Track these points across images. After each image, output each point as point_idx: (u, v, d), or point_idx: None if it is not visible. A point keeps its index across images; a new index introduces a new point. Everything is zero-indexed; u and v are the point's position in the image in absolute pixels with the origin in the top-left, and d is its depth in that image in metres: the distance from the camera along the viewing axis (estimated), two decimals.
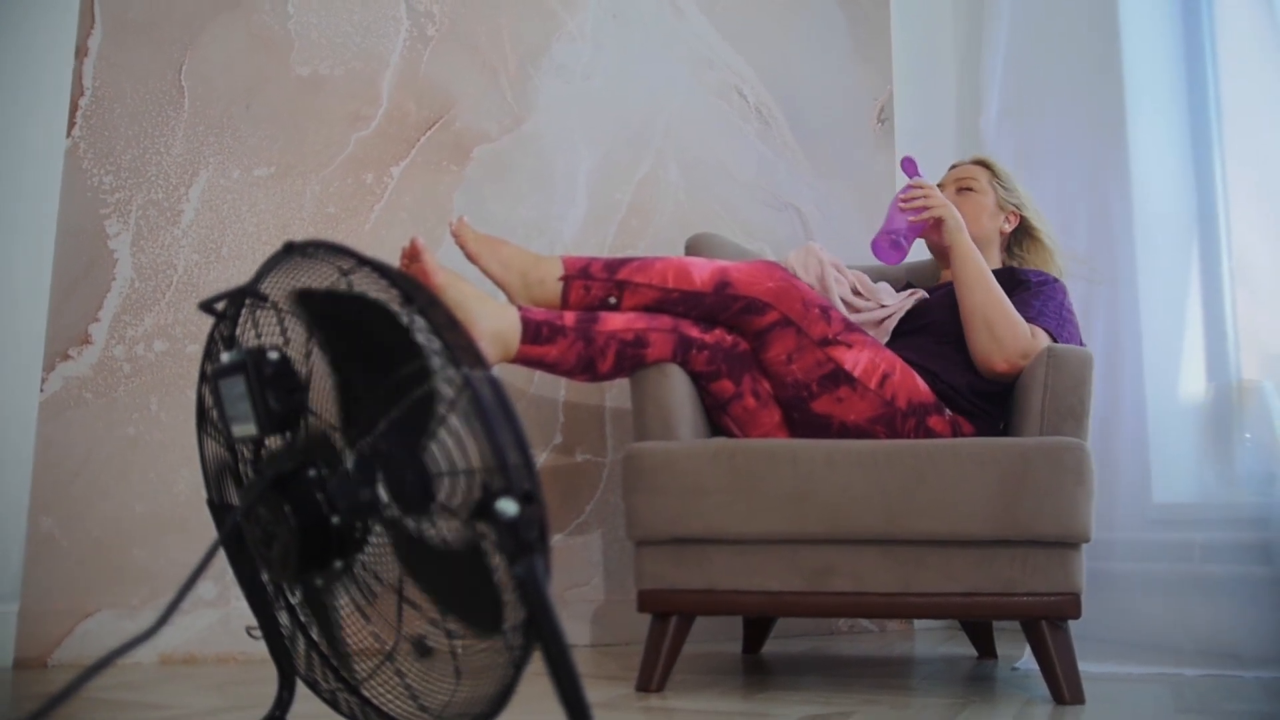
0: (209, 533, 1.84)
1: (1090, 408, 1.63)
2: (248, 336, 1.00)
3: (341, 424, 0.91)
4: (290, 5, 2.15)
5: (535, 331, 1.63)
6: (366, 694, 1.01)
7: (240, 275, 2.02)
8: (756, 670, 1.88)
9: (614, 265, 1.74)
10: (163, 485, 1.92)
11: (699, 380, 1.76)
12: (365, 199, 2.17)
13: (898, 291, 2.08)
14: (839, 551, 1.55)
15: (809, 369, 1.70)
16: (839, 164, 2.85)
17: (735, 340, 1.74)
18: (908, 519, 1.51)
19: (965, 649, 2.23)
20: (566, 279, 1.72)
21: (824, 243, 2.49)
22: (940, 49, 3.09)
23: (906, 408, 1.71)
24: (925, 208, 1.91)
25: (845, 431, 1.72)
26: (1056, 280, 1.91)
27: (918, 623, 2.69)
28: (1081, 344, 1.83)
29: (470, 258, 1.73)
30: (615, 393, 2.37)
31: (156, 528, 1.90)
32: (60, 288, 1.89)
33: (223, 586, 1.92)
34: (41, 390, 1.86)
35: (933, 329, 1.90)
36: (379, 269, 0.85)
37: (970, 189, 2.08)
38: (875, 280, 2.12)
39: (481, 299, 1.60)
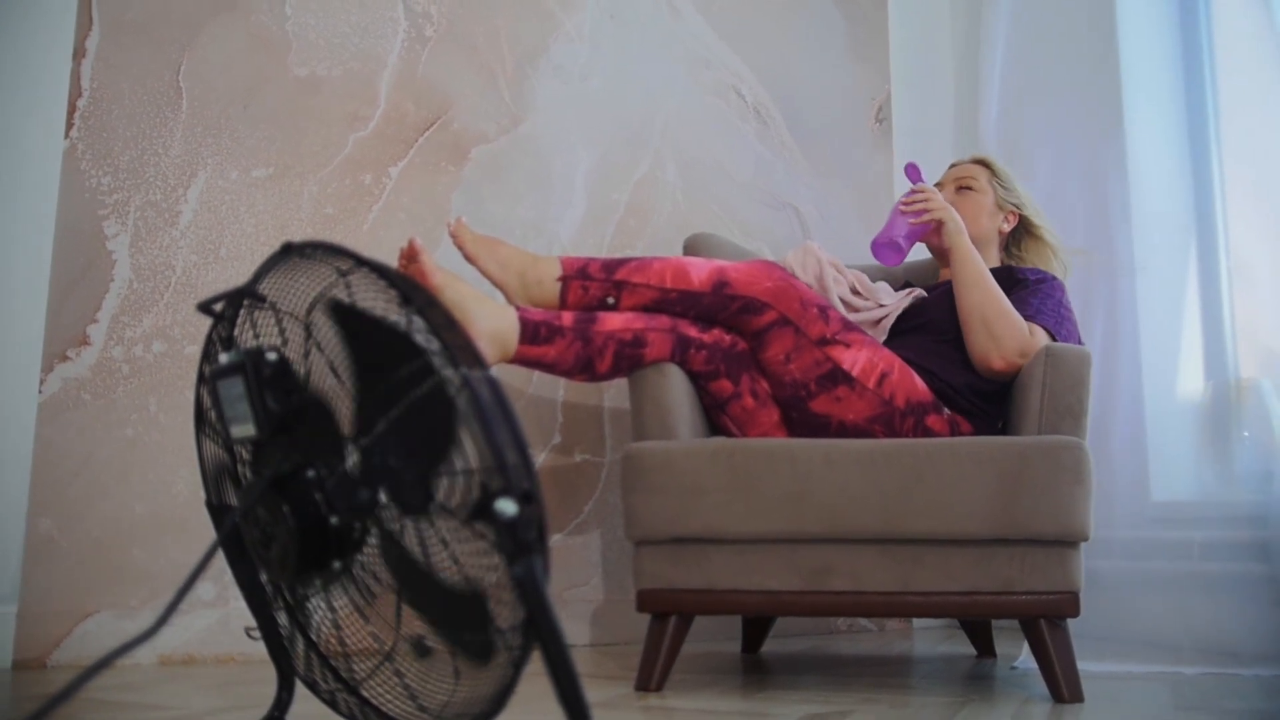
0: (208, 533, 1.84)
1: (1088, 406, 1.63)
2: (246, 337, 1.00)
3: (343, 424, 0.91)
4: (288, 6, 2.15)
5: (533, 332, 1.63)
6: (365, 694, 1.01)
7: (238, 276, 2.02)
8: (755, 669, 1.88)
9: (612, 265, 1.74)
10: (162, 486, 1.92)
11: (697, 380, 1.76)
12: (363, 199, 2.17)
13: (896, 291, 2.08)
14: (838, 551, 1.55)
15: (807, 368, 1.70)
16: (837, 164, 2.86)
17: (734, 340, 1.74)
18: (906, 518, 1.51)
19: (964, 648, 2.23)
20: (564, 279, 1.72)
21: (822, 242, 2.49)
22: (938, 48, 3.09)
23: (905, 407, 1.71)
24: (926, 210, 1.92)
25: (844, 431, 1.72)
26: (1055, 278, 1.92)
27: (916, 622, 2.70)
28: (1080, 342, 1.83)
29: (468, 258, 1.73)
30: (614, 393, 2.37)
31: (155, 528, 1.90)
32: (58, 289, 1.89)
33: (221, 587, 1.92)
34: (40, 391, 1.86)
35: (931, 328, 1.90)
36: (377, 269, 0.85)
37: (969, 188, 2.08)
38: (874, 280, 2.13)
39: (480, 299, 1.60)
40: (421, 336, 0.81)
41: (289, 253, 0.93)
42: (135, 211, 1.97)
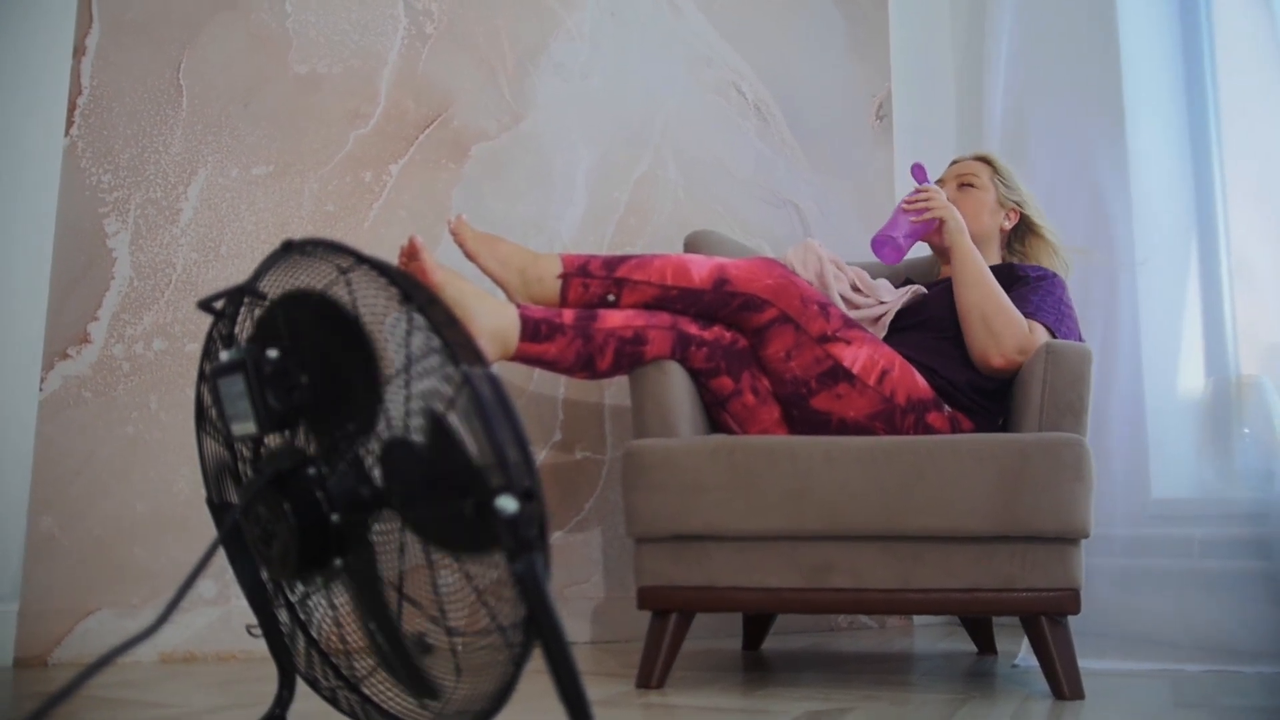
0: (209, 531, 1.84)
1: (1089, 403, 1.64)
2: (247, 335, 1.00)
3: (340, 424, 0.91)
4: (288, 4, 2.14)
5: (534, 329, 1.63)
6: (367, 691, 1.01)
7: (239, 274, 2.02)
8: (756, 667, 1.88)
9: (613, 263, 1.74)
10: (162, 484, 1.92)
11: (698, 377, 1.76)
12: (364, 197, 2.17)
13: (896, 288, 2.08)
14: (838, 548, 1.55)
15: (808, 366, 1.70)
16: (837, 161, 2.86)
17: (734, 337, 1.74)
18: (907, 515, 1.51)
19: (965, 645, 2.23)
20: (565, 276, 1.72)
21: (822, 240, 2.48)
22: (938, 46, 3.09)
23: (905, 404, 1.71)
24: (928, 209, 1.93)
25: (844, 428, 1.72)
26: (1055, 275, 1.92)
27: (917, 619, 2.70)
28: (1081, 339, 1.83)
29: (469, 256, 1.73)
30: (614, 390, 2.37)
31: (156, 526, 1.90)
32: (59, 287, 1.89)
33: (222, 585, 1.92)
34: (41, 389, 1.86)
35: (931, 325, 1.90)
36: (377, 267, 0.85)
37: (972, 185, 2.08)
38: (874, 277, 2.12)
39: (480, 297, 1.60)
40: (421, 334, 0.81)
41: (289, 250, 0.93)
42: (136, 209, 1.97)
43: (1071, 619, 1.54)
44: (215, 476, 1.08)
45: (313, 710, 1.15)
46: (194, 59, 2.05)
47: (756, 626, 2.17)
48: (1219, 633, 1.97)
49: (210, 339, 1.04)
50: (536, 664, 0.75)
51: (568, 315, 1.67)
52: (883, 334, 1.94)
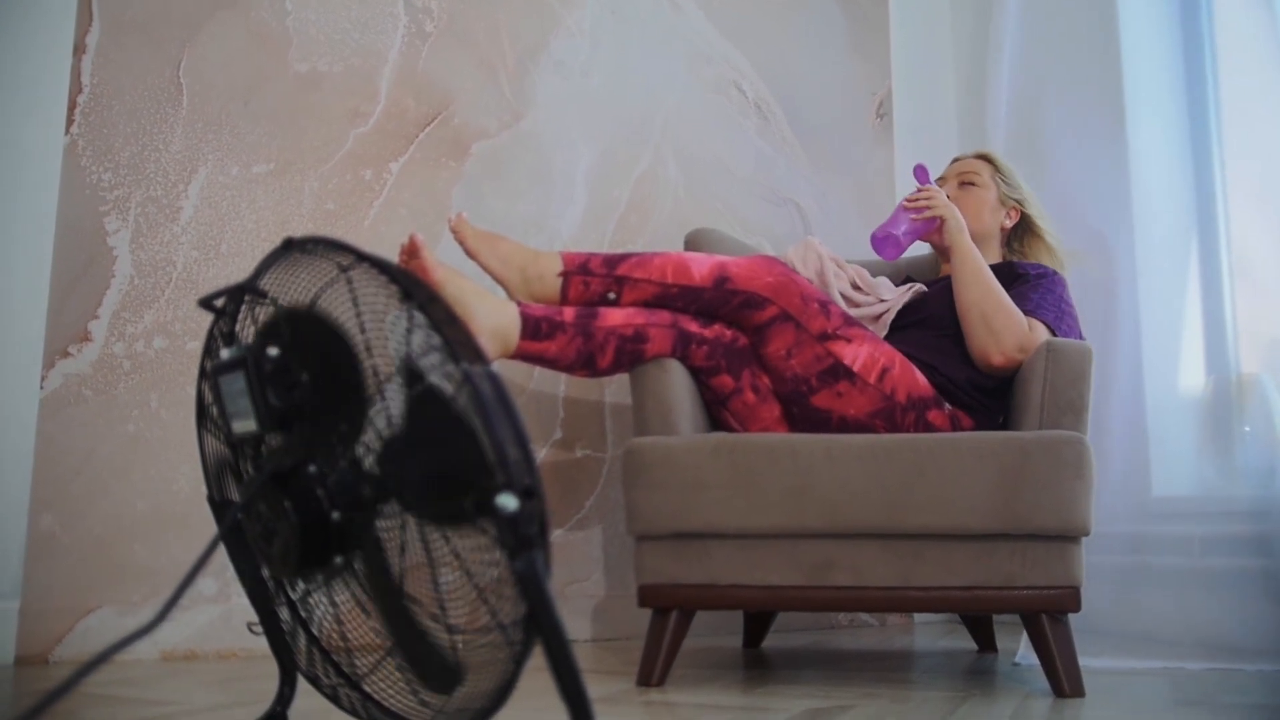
0: (210, 529, 1.84)
1: (1089, 401, 1.63)
2: (247, 333, 1.00)
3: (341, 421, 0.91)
4: (288, 2, 2.14)
5: (534, 327, 1.63)
6: (368, 689, 1.01)
7: (240, 272, 2.02)
8: (757, 665, 1.88)
9: (613, 261, 1.74)
10: (163, 482, 1.92)
11: (698, 375, 1.76)
12: (364, 195, 2.17)
13: (896, 286, 2.08)
14: (839, 546, 1.55)
15: (808, 364, 1.70)
16: (838, 159, 2.85)
17: (735, 335, 1.74)
18: (907, 513, 1.51)
19: (965, 643, 2.23)
20: (566, 274, 1.72)
21: (823, 238, 2.49)
22: (939, 44, 3.09)
23: (906, 402, 1.71)
24: (929, 207, 1.93)
25: (845, 426, 1.72)
26: (1056, 273, 1.92)
27: (917, 617, 2.70)
28: (1081, 337, 1.83)
29: (469, 254, 1.73)
30: (615, 388, 2.37)
31: (157, 525, 1.90)
32: (60, 285, 1.89)
33: (223, 583, 1.92)
34: (41, 388, 1.86)
35: (931, 322, 1.90)
36: (378, 265, 0.85)
37: (973, 184, 2.08)
38: (874, 275, 2.13)
39: (481, 295, 1.60)
40: (422, 332, 0.81)
41: (290, 248, 0.93)
42: (136, 207, 1.97)
43: (1072, 617, 1.54)
44: (216, 474, 1.08)
45: (314, 708, 1.15)
46: (194, 57, 2.05)
47: (757, 624, 2.17)
48: (1220, 631, 1.97)
49: (211, 337, 1.04)
50: (537, 662, 0.75)
51: (568, 313, 1.66)
52: (883, 332, 1.95)
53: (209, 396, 1.04)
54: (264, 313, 0.97)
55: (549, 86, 2.42)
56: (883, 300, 1.99)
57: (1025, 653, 1.85)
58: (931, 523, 1.51)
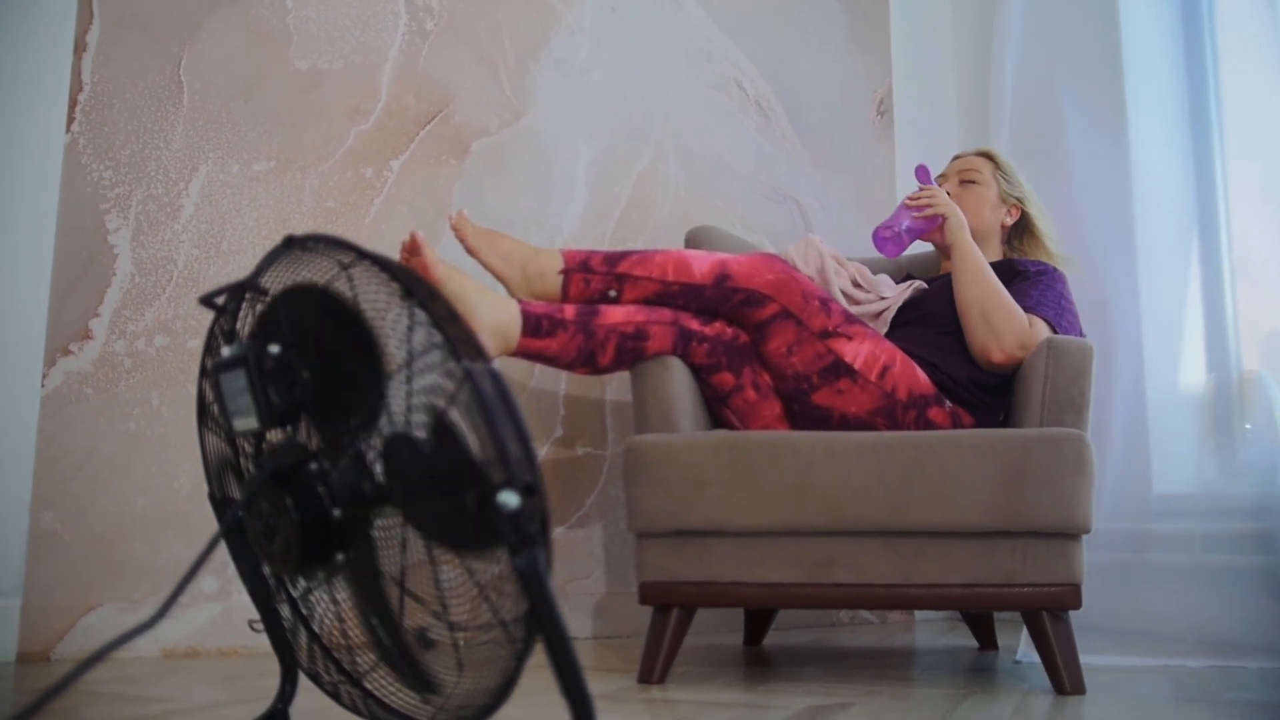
0: (210, 527, 1.84)
1: (1090, 399, 1.63)
2: (248, 330, 1.00)
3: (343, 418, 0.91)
4: (289, 0, 2.15)
5: (535, 325, 1.63)
6: (369, 686, 1.01)
7: (240, 269, 2.02)
8: (758, 662, 1.88)
9: (614, 258, 1.74)
10: (164, 480, 1.92)
11: (699, 373, 1.76)
12: (365, 193, 2.17)
13: (897, 283, 2.08)
14: (840, 543, 1.55)
15: (809, 361, 1.70)
16: (838, 156, 2.85)
17: (735, 333, 1.74)
18: (908, 510, 1.51)
19: (966, 640, 2.24)
20: (566, 272, 1.72)
21: (823, 235, 2.49)
22: (939, 41, 3.09)
23: (907, 399, 1.71)
24: (930, 205, 1.93)
25: (846, 423, 1.72)
26: (1056, 270, 1.92)
27: (918, 614, 2.70)
28: (1081, 334, 1.83)
29: (470, 251, 1.73)
30: (616, 386, 2.37)
31: (158, 522, 1.90)
32: (60, 283, 1.89)
33: (224, 580, 1.92)
34: (43, 386, 1.86)
35: (932, 320, 1.90)
36: (379, 262, 0.85)
37: (973, 181, 2.08)
38: (874, 272, 2.12)
39: (481, 292, 1.60)
40: (423, 329, 0.81)
41: (291, 246, 0.93)
42: (137, 206, 1.97)
43: (1073, 614, 1.54)
44: (217, 472, 1.08)
45: (315, 705, 1.16)
46: (195, 55, 2.05)
47: (758, 622, 2.18)
48: (1221, 628, 1.97)
49: (212, 334, 1.04)
50: (538, 659, 0.75)
51: (569, 311, 1.66)
52: (884, 329, 1.95)
53: (210, 394, 1.04)
54: (263, 303, 0.97)
55: (549, 84, 2.42)
56: (883, 298, 1.99)
57: (1026, 650, 1.85)
58: (932, 520, 1.51)
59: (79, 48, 1.95)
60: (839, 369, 1.70)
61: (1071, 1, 2.54)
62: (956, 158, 2.18)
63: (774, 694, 1.48)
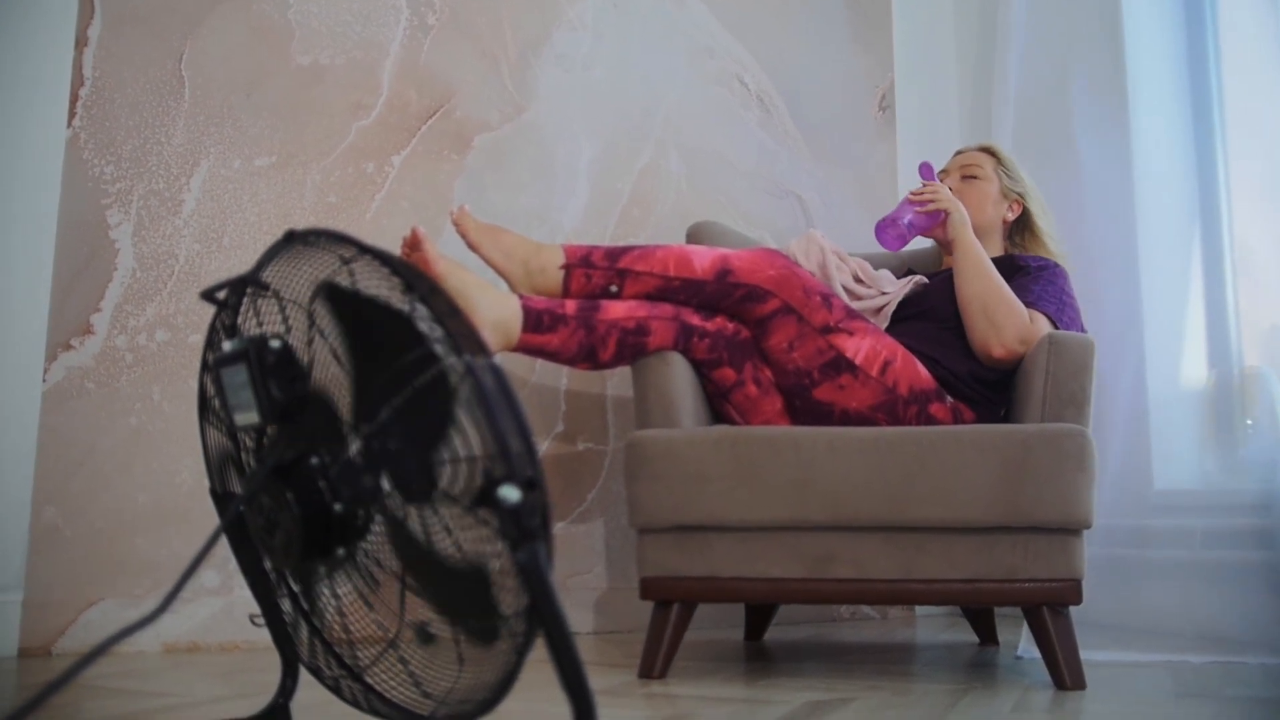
0: (211, 522, 1.84)
1: (1091, 394, 1.63)
2: (249, 325, 1.00)
3: (345, 412, 0.91)
4: None
5: (537, 320, 1.63)
6: (370, 681, 1.01)
7: (241, 264, 2.02)
8: (758, 657, 1.89)
9: (615, 253, 1.73)
10: (165, 475, 1.92)
11: (700, 368, 1.76)
12: (366, 188, 2.17)
13: (898, 278, 2.08)
14: (841, 538, 1.55)
15: (810, 356, 1.70)
16: (840, 152, 2.85)
17: (737, 328, 1.74)
18: (909, 506, 1.51)
19: (967, 635, 2.24)
20: (568, 267, 1.72)
21: (825, 230, 2.48)
22: (941, 37, 3.08)
23: (908, 395, 1.71)
24: (933, 200, 1.94)
25: (847, 419, 1.72)
26: (1057, 265, 1.92)
27: (919, 609, 2.70)
28: (1082, 329, 1.83)
29: (471, 246, 1.73)
30: (617, 381, 2.37)
31: (159, 518, 1.90)
32: (62, 278, 1.89)
33: (225, 575, 1.93)
34: (44, 381, 1.86)
35: (933, 315, 1.90)
36: (380, 257, 0.85)
37: (975, 176, 2.08)
38: (876, 268, 2.12)
39: (483, 287, 1.60)
40: (424, 324, 0.81)
41: (292, 240, 0.93)
42: (138, 200, 1.97)
43: (1073, 610, 1.54)
44: (218, 466, 1.08)
45: (316, 699, 1.16)
46: (196, 50, 2.04)
47: (759, 617, 2.18)
48: (1221, 624, 1.97)
49: (213, 329, 1.04)
50: (539, 654, 0.75)
51: (570, 306, 1.66)
52: (885, 325, 1.95)
53: (211, 389, 1.04)
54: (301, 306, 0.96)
55: (551, 79, 2.42)
56: (884, 293, 1.99)
57: (1027, 645, 1.85)
58: (933, 516, 1.51)
59: (80, 42, 1.95)
60: (840, 364, 1.70)
61: (1074, 2, 2.53)
62: (959, 152, 2.18)
63: (775, 689, 1.48)
